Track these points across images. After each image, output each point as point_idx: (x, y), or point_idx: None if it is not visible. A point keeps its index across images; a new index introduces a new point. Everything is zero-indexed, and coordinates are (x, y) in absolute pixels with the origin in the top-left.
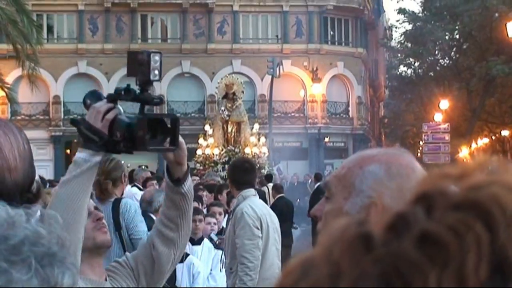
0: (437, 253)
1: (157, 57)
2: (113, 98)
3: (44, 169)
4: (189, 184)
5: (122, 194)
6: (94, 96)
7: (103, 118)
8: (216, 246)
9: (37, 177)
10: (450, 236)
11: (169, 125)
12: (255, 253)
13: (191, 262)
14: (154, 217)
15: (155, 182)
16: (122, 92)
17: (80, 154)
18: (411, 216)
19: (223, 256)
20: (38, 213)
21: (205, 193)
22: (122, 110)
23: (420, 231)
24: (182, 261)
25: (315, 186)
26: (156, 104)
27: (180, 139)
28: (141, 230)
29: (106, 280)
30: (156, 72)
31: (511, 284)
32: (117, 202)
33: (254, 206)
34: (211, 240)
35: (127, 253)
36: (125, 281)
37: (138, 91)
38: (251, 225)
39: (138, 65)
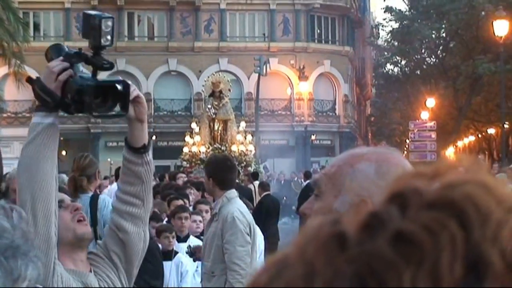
0: (411, 252)
1: (109, 23)
2: (69, 59)
3: None
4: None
5: (96, 190)
6: (56, 50)
7: (57, 79)
8: (196, 259)
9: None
10: (425, 235)
11: (121, 90)
12: (247, 259)
13: (180, 261)
14: None
15: None
16: (75, 55)
17: (33, 119)
18: (385, 215)
19: None
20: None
21: (192, 190)
22: (81, 69)
23: (394, 230)
24: (170, 259)
25: (305, 184)
26: (106, 69)
27: (140, 94)
28: None
29: (91, 271)
30: (108, 37)
31: (485, 282)
32: (96, 197)
33: (243, 210)
34: (191, 254)
35: (99, 241)
36: (106, 273)
37: (91, 55)
38: (242, 231)
39: (90, 29)
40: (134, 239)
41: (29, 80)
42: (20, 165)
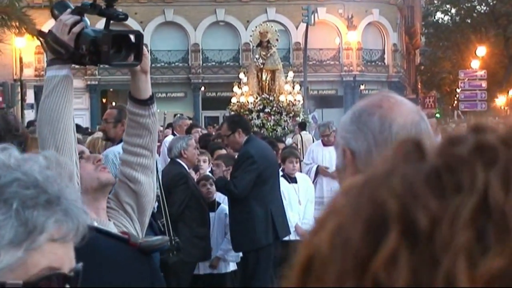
0: (487, 156)
1: None
2: (80, 11)
3: (80, 118)
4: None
5: None
6: (61, 6)
7: (70, 31)
8: None
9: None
10: (502, 145)
11: (133, 41)
12: None
13: (224, 212)
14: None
15: (199, 129)
16: (89, 6)
17: (48, 72)
18: (464, 136)
19: None
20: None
21: None
22: (88, 23)
23: (474, 143)
24: (214, 210)
25: None
26: (121, 20)
27: (143, 48)
28: None
29: (110, 220)
30: None
31: None
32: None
33: None
34: None
35: (109, 195)
36: (122, 223)
37: (104, 7)
38: None
39: None
40: (146, 189)
41: (41, 33)
42: (40, 119)
